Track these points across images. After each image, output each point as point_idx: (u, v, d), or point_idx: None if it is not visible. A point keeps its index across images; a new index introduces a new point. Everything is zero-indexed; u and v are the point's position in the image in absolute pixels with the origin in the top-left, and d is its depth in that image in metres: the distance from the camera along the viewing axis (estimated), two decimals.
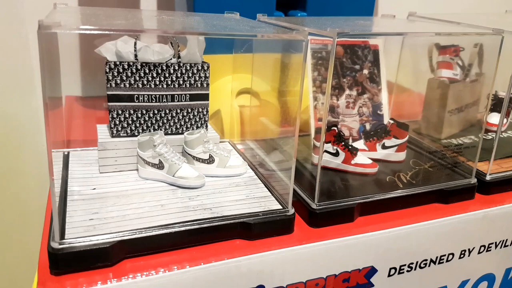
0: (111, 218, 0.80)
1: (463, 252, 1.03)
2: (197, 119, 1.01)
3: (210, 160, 0.97)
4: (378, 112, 1.23)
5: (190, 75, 0.96)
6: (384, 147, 1.11)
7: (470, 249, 1.04)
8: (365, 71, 1.21)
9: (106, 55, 0.92)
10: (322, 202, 0.90)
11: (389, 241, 0.93)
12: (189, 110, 0.99)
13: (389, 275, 0.97)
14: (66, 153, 1.03)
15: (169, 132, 0.99)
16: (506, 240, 1.08)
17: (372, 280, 0.95)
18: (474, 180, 1.04)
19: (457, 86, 1.23)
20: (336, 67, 1.19)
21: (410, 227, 0.94)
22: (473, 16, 1.39)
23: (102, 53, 0.92)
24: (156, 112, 0.97)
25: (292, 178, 0.86)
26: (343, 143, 1.05)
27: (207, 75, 0.98)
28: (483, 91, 1.34)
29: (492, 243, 1.06)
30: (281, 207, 0.87)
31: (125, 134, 0.96)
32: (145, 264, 0.76)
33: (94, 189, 0.89)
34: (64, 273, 0.73)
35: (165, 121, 0.98)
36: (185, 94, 0.98)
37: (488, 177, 1.06)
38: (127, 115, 0.95)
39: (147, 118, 0.96)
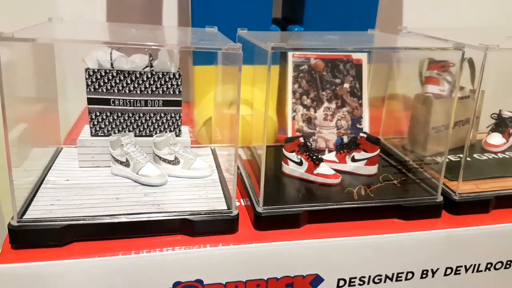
0: (69, 205, 0.90)
1: (425, 272, 1.01)
2: (170, 124, 1.10)
3: (175, 162, 1.04)
4: (358, 125, 1.23)
5: (163, 82, 1.05)
6: (353, 160, 1.12)
7: (434, 270, 1.01)
8: (346, 85, 1.23)
9: (89, 63, 1.04)
10: (269, 206, 0.94)
11: (336, 250, 0.94)
12: (162, 115, 1.08)
13: (338, 286, 0.97)
14: (60, 148, 1.16)
15: (143, 134, 1.09)
16: (479, 264, 1.04)
17: None
18: (440, 198, 1.02)
19: (444, 102, 1.20)
20: (315, 80, 1.22)
21: (359, 238, 0.95)
22: (474, 30, 1.34)
23: (86, 62, 1.04)
24: (130, 115, 1.07)
25: (235, 182, 0.91)
26: (306, 153, 1.08)
27: (179, 83, 1.06)
28: (479, 108, 1.29)
29: (462, 266, 1.02)
30: (226, 208, 0.93)
31: (102, 134, 1.07)
32: (91, 248, 0.85)
33: (68, 180, 1.00)
34: (21, 247, 0.84)
35: (139, 124, 1.08)
36: (158, 100, 1.07)
37: (456, 197, 1.03)
38: (104, 117, 1.06)
39: (122, 121, 1.07)
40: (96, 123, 1.06)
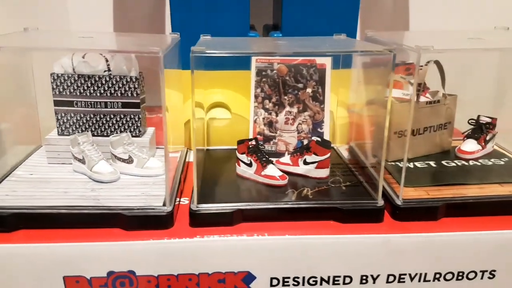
0: (21, 196, 0.99)
1: (364, 277, 0.99)
2: (130, 124, 1.16)
3: (129, 160, 1.11)
4: (319, 129, 1.23)
5: (120, 85, 1.13)
6: (305, 162, 1.12)
7: (374, 276, 0.99)
8: (309, 90, 1.23)
9: (55, 68, 1.13)
10: (204, 204, 0.98)
11: (268, 249, 0.95)
12: (122, 116, 1.15)
13: (271, 285, 0.98)
14: (39, 147, 1.27)
15: (105, 134, 1.17)
16: (426, 274, 1.00)
17: (252, 286, 0.98)
18: (381, 203, 1.00)
19: (407, 106, 1.17)
20: (278, 85, 1.24)
21: (292, 238, 0.95)
22: (444, 33, 1.29)
23: (53, 67, 1.14)
24: (92, 116, 1.15)
25: (167, 181, 0.96)
26: (255, 154, 1.10)
27: (136, 87, 1.13)
28: (452, 114, 1.24)
29: (405, 274, 0.99)
30: (160, 205, 0.97)
31: (68, 133, 1.16)
32: (34, 235, 0.93)
33: (31, 174, 1.10)
34: None
35: (100, 124, 1.16)
36: (117, 102, 1.14)
37: (400, 202, 1.00)
38: (69, 118, 1.15)
39: (85, 121, 1.15)
40: (62, 123, 1.16)
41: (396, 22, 1.94)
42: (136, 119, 1.16)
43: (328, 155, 1.12)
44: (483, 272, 1.00)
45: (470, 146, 1.22)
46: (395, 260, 0.98)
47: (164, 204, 0.97)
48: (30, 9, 1.54)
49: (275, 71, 1.23)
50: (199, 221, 0.97)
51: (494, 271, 1.00)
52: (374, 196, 1.01)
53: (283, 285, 0.98)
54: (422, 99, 1.20)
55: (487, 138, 1.22)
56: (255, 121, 1.24)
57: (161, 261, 0.95)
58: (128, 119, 1.16)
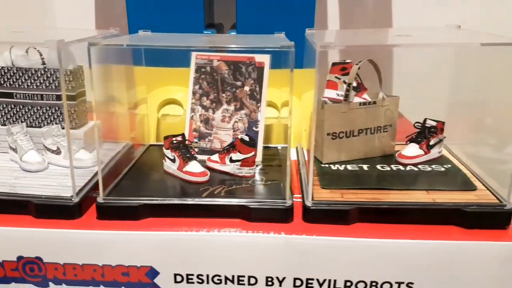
0: None
1: (270, 279, 0.96)
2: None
3: (58, 151, 1.13)
4: (254, 128, 1.21)
5: (55, 78, 1.16)
6: (231, 160, 1.11)
7: (280, 278, 0.96)
8: (246, 88, 1.22)
9: None
10: (110, 198, 0.99)
11: (170, 245, 0.95)
12: (57, 108, 1.19)
13: (176, 281, 0.98)
14: None
15: (41, 126, 1.20)
16: (335, 281, 0.96)
17: (156, 282, 0.98)
18: (289, 203, 0.97)
19: (340, 107, 1.13)
20: (217, 82, 1.23)
21: (196, 234, 0.94)
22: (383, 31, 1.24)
23: None
24: (30, 108, 1.19)
25: (72, 172, 0.98)
26: (178, 150, 1.10)
27: (71, 80, 1.16)
28: (393, 116, 1.19)
29: (313, 279, 0.96)
30: (69, 195, 0.99)
31: (8, 123, 1.21)
32: None
33: None
34: None
35: (38, 116, 1.19)
36: (52, 95, 1.17)
37: (308, 203, 0.97)
38: (9, 109, 1.20)
39: (24, 112, 1.19)
40: (3, 114, 1.20)
41: (378, 19, 1.88)
42: (72, 111, 1.19)
43: (252, 153, 1.10)
44: (399, 283, 0.95)
45: (411, 150, 1.16)
46: (301, 263, 0.95)
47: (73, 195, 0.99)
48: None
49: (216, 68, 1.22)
50: (105, 214, 0.98)
51: (412, 283, 0.95)
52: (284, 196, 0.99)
53: (188, 282, 0.98)
54: (357, 99, 1.15)
55: (431, 143, 1.16)
56: (191, 118, 1.24)
57: (67, 250, 0.97)
58: (63, 111, 1.19)
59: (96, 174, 1.08)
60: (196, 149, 1.22)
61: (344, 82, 1.14)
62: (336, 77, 1.15)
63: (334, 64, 1.16)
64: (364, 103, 1.14)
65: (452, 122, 1.28)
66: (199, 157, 1.18)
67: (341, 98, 1.14)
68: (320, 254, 0.94)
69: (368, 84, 1.19)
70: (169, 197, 1.00)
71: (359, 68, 1.16)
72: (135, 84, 1.41)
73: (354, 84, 1.16)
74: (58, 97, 1.18)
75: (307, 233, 0.94)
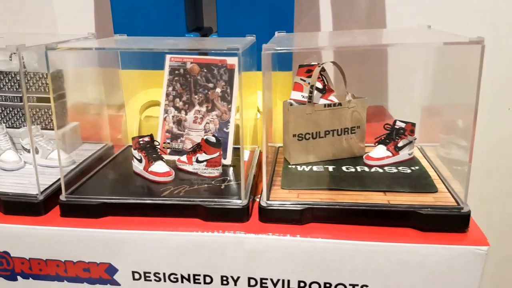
0: None
1: (224, 278, 0.97)
2: (45, 118, 1.25)
3: (35, 151, 1.18)
4: (225, 129, 1.22)
5: (35, 81, 1.21)
6: (198, 161, 1.13)
7: (235, 278, 0.97)
8: (218, 90, 1.23)
9: None
10: (72, 196, 1.03)
11: (127, 242, 0.98)
12: (37, 110, 1.24)
13: (134, 279, 1.00)
14: None
15: (23, 126, 1.26)
16: (289, 281, 0.95)
17: (116, 278, 1.01)
18: (244, 203, 0.98)
19: (305, 108, 1.13)
20: (189, 84, 1.25)
21: (150, 234, 0.97)
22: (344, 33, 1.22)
23: None
24: (11, 109, 1.25)
25: (36, 171, 1.02)
26: (144, 150, 1.12)
27: (48, 83, 1.21)
28: (360, 118, 1.18)
29: (267, 279, 0.96)
30: (35, 193, 1.03)
31: None
32: None
33: None
34: None
35: (18, 117, 1.25)
36: (32, 97, 1.23)
37: (263, 203, 0.97)
38: None
39: (6, 114, 1.25)
40: None
41: (372, 21, 1.86)
42: (50, 113, 1.24)
43: (217, 154, 1.11)
44: (353, 285, 0.94)
45: (379, 152, 1.14)
46: (254, 263, 0.96)
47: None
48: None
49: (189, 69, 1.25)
50: (67, 211, 1.02)
51: (366, 286, 0.94)
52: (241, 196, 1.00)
53: (145, 279, 1.00)
54: (323, 101, 1.15)
55: (399, 144, 1.14)
56: (164, 119, 1.27)
57: (32, 246, 1.01)
58: (43, 112, 1.24)
59: (68, 173, 1.13)
60: (169, 150, 1.25)
61: (309, 84, 1.14)
62: (301, 79, 1.15)
63: (300, 66, 1.17)
64: (329, 105, 1.14)
65: (427, 124, 1.26)
66: (173, 158, 1.21)
67: (305, 99, 1.14)
68: (272, 253, 0.95)
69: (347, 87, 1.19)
70: (130, 196, 1.03)
71: (324, 70, 1.16)
72: (118, 87, 1.45)
73: (320, 86, 1.16)
74: (39, 99, 1.23)
75: (259, 233, 0.94)
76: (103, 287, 1.02)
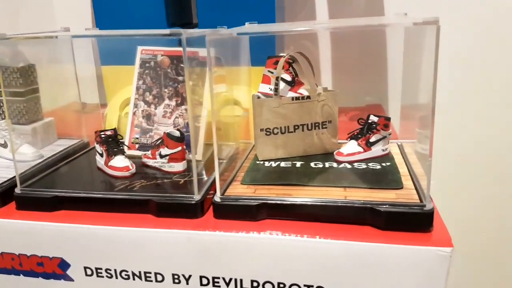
0: None
1: (176, 276, 0.93)
2: (17, 113, 1.25)
3: (5, 145, 1.18)
4: (196, 124, 1.19)
5: (6, 76, 1.21)
6: (161, 156, 1.10)
7: (186, 276, 0.92)
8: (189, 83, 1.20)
9: None
10: (27, 189, 1.01)
11: (78, 237, 0.95)
12: (10, 105, 1.24)
13: (86, 274, 0.97)
14: None
15: None
16: (242, 280, 0.90)
17: (69, 273, 0.98)
18: (197, 198, 0.93)
19: (272, 102, 1.08)
20: (160, 77, 1.23)
21: (100, 228, 0.94)
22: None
23: None
24: None
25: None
26: (105, 144, 1.10)
27: (19, 77, 1.21)
28: (331, 112, 1.11)
29: (219, 278, 0.91)
30: None
31: None
32: None
33: None
34: None
35: None
36: (6, 91, 1.23)
37: (217, 199, 0.93)
38: None
39: None
40: None
41: (369, 7, 1.79)
42: (21, 107, 1.24)
43: (179, 148, 1.08)
44: (308, 286, 0.88)
45: (349, 148, 1.08)
46: (206, 261, 0.91)
47: None
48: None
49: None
50: (22, 204, 1.01)
51: (321, 287, 0.88)
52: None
53: (97, 275, 0.97)
54: (292, 94, 1.09)
55: (371, 139, 1.07)
56: (134, 114, 1.24)
57: None
58: (14, 108, 1.24)
59: (33, 167, 1.12)
60: (137, 145, 1.22)
61: (275, 76, 1.09)
62: (269, 71, 1.10)
63: (269, 57, 1.12)
64: (298, 98, 1.08)
65: (407, 119, 1.18)
66: (141, 153, 1.18)
67: (272, 92, 1.09)
68: (224, 251, 0.90)
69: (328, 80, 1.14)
70: (85, 190, 1.01)
71: (294, 62, 1.11)
72: (98, 83, 1.44)
73: (289, 78, 1.10)
74: (11, 94, 1.23)
75: (211, 229, 0.90)
76: (57, 283, 1.00)
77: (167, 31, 0.90)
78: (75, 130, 1.40)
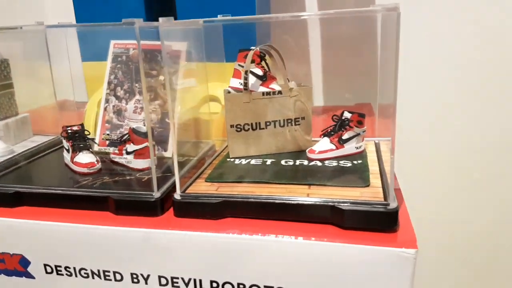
0: None
1: (135, 275, 0.90)
2: (1, 108, 1.24)
3: None
4: (167, 119, 1.16)
5: None
6: (127, 152, 1.07)
7: (144, 275, 0.90)
8: (161, 77, 1.17)
9: None
10: None
11: (38, 234, 0.93)
12: None
13: (47, 272, 0.95)
14: None
15: None
16: (201, 280, 0.87)
17: (29, 271, 0.96)
18: (157, 196, 0.90)
19: (242, 97, 1.05)
20: (131, 71, 1.20)
21: (59, 225, 0.91)
22: None
23: None
24: None
25: None
26: (71, 140, 1.08)
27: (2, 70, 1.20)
28: (304, 108, 1.08)
29: (178, 278, 0.88)
30: None
31: None
32: None
33: None
34: None
35: None
36: None
37: (177, 196, 0.90)
38: None
39: None
40: None
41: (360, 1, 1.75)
42: (5, 103, 1.23)
43: (145, 144, 1.05)
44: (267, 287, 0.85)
45: (321, 145, 1.04)
46: (164, 260, 0.88)
47: None
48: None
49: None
50: None
51: None
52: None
53: (57, 273, 0.95)
54: (263, 89, 1.06)
55: (344, 137, 1.03)
56: (105, 109, 1.22)
57: None
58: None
59: (0, 162, 1.11)
60: (107, 142, 1.20)
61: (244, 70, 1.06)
62: (239, 64, 1.07)
63: (240, 50, 1.09)
64: (268, 93, 1.05)
65: (383, 115, 1.14)
66: (112, 149, 1.15)
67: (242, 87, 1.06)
68: (183, 251, 0.87)
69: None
70: (47, 186, 0.99)
71: (265, 55, 1.08)
72: (78, 79, 1.43)
73: (260, 72, 1.07)
74: None
75: (170, 228, 0.87)
76: (19, 280, 0.98)
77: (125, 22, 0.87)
78: (54, 127, 1.39)
